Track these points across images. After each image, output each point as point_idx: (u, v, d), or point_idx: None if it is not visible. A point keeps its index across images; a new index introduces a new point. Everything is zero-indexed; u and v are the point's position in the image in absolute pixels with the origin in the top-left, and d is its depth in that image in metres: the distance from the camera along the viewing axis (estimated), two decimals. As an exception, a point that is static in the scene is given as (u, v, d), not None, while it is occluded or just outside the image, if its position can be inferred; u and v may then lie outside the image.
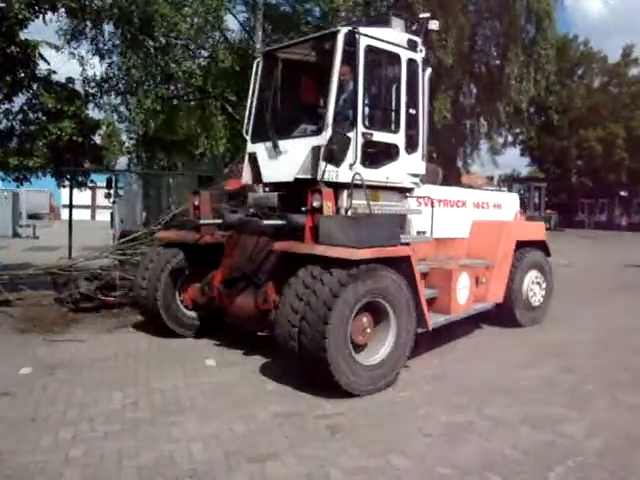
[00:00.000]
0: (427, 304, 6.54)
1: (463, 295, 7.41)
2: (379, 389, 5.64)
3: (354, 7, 13.43)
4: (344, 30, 6.46)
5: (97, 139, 12.17)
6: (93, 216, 51.29)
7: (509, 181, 45.97)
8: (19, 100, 10.68)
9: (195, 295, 7.47)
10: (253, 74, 7.68)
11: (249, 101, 7.74)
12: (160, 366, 6.39)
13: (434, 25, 7.54)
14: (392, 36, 6.98)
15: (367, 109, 6.90)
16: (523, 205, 33.95)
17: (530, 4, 19.38)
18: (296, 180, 6.69)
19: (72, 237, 12.54)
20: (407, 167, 7.17)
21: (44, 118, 10.60)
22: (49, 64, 10.58)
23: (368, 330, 5.75)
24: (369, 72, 6.72)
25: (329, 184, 6.28)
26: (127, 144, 14.31)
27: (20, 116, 10.66)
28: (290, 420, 4.86)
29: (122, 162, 18.51)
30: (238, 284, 6.89)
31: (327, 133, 6.37)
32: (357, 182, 6.21)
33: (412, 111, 7.20)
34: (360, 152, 6.48)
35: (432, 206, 7.58)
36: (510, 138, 49.64)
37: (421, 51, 7.30)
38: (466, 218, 8.77)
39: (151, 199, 16.28)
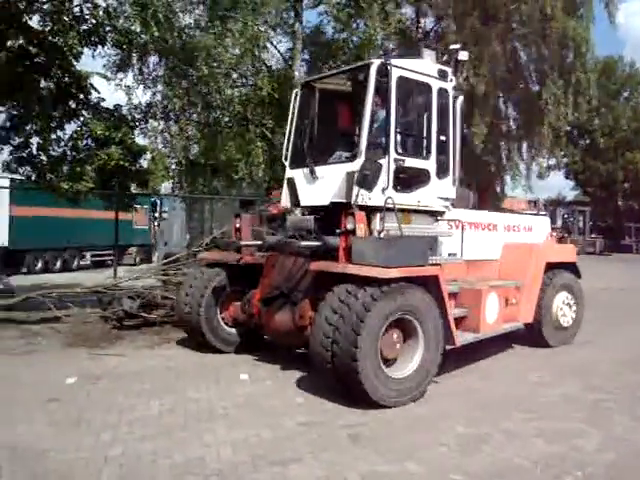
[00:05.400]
0: (457, 322, 6.87)
1: (492, 315, 7.56)
2: (405, 402, 5.88)
3: (390, 36, 13.82)
4: (377, 62, 6.83)
5: (143, 164, 12.76)
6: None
7: (553, 205, 45.48)
8: (70, 127, 11.34)
9: (236, 313, 7.84)
10: (292, 104, 8.04)
11: (287, 129, 8.09)
12: (196, 379, 6.73)
13: (463, 56, 7.81)
14: (423, 67, 7.27)
15: (399, 136, 7.11)
16: (567, 229, 33.81)
17: (566, 31, 19.57)
18: (332, 204, 6.90)
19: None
20: (438, 191, 7.43)
21: (93, 145, 11.20)
22: (99, 93, 11.23)
23: (398, 345, 6.06)
24: (401, 101, 7.02)
25: (362, 207, 6.55)
26: (170, 169, 14.87)
27: (70, 143, 11.25)
28: (314, 429, 5.14)
29: (166, 186, 19.20)
30: (276, 302, 7.15)
31: (360, 159, 6.66)
32: (389, 206, 6.42)
33: (443, 138, 7.45)
34: (392, 177, 6.77)
35: (462, 229, 7.72)
36: (553, 161, 49.32)
37: (451, 80, 7.56)
38: (497, 241, 8.92)
39: (194, 222, 16.86)
